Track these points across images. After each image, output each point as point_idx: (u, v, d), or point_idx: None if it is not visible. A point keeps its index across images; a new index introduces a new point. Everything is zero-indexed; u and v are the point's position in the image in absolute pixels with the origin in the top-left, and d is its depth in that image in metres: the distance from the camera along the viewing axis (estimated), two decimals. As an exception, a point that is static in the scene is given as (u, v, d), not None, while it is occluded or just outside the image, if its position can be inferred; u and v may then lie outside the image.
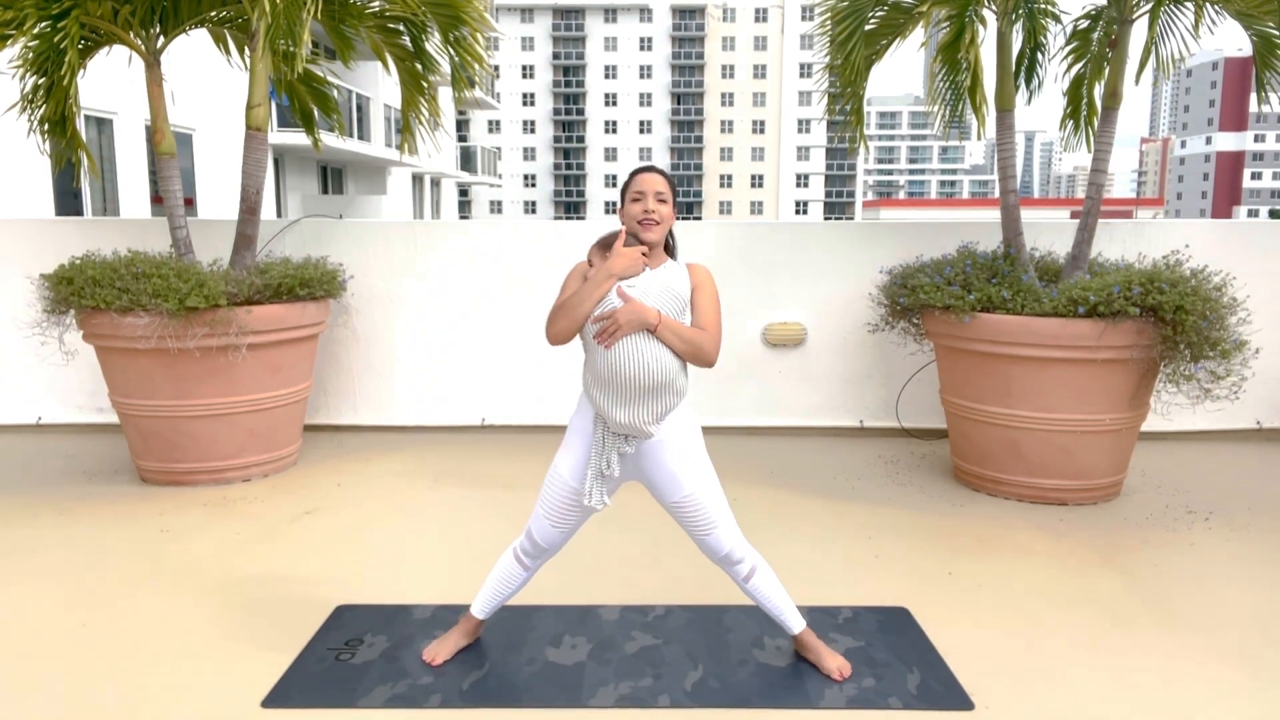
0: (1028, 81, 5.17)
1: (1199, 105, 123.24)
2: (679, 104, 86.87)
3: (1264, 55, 4.95)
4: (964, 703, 2.66)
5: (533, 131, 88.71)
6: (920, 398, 5.67)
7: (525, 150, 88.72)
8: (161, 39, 5.00)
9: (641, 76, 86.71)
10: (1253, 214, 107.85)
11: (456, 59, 5.29)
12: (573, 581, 3.43)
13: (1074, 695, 2.70)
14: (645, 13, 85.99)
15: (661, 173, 2.71)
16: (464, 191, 71.90)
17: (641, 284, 2.58)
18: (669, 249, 2.76)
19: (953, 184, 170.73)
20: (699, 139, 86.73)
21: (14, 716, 2.58)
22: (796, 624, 2.84)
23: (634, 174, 2.72)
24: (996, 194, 5.96)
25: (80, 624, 3.12)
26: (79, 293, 4.43)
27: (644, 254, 2.62)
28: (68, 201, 12.50)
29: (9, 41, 4.32)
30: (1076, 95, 5.38)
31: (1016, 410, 4.37)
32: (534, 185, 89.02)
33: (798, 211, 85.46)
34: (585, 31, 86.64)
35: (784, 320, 5.75)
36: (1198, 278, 4.17)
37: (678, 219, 2.82)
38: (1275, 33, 4.84)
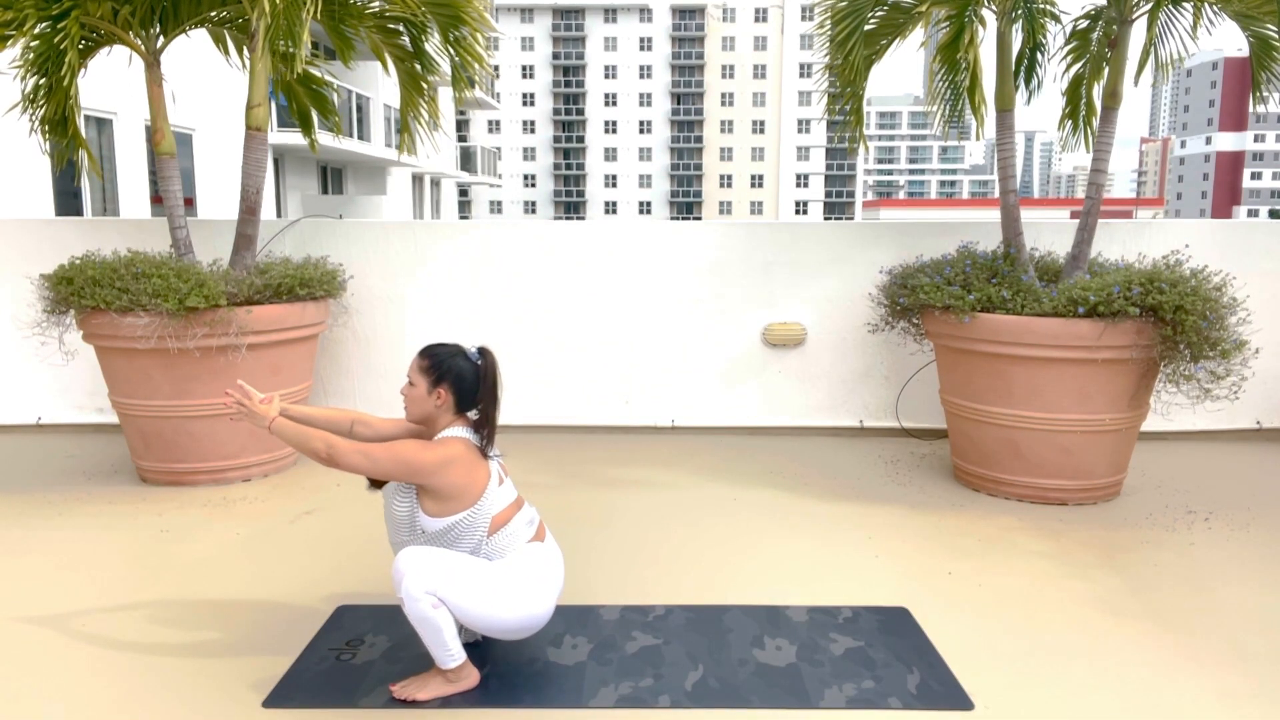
0: (1027, 81, 5.18)
1: (1199, 105, 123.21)
2: (679, 104, 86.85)
3: (1260, 56, 4.95)
4: (964, 703, 2.66)
5: (533, 131, 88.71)
6: (920, 398, 5.67)
7: (525, 150, 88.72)
8: (161, 39, 5.00)
9: (641, 76, 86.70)
10: (1253, 214, 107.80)
11: (456, 59, 5.29)
12: (573, 581, 3.42)
13: (1074, 695, 2.70)
14: (645, 13, 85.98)
15: (421, 354, 2.76)
16: (464, 191, 71.91)
17: None
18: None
19: (953, 184, 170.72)
20: (699, 139, 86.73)
21: (13, 717, 2.58)
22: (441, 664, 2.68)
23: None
24: (996, 194, 5.96)
25: (80, 624, 3.13)
26: (79, 293, 4.43)
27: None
28: (68, 201, 12.50)
29: (9, 42, 4.32)
30: (1076, 95, 5.39)
31: (1016, 410, 4.37)
32: (534, 185, 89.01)
33: (798, 211, 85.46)
34: (585, 31, 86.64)
35: (784, 320, 5.76)
36: (1197, 278, 4.18)
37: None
38: (1273, 33, 4.85)
